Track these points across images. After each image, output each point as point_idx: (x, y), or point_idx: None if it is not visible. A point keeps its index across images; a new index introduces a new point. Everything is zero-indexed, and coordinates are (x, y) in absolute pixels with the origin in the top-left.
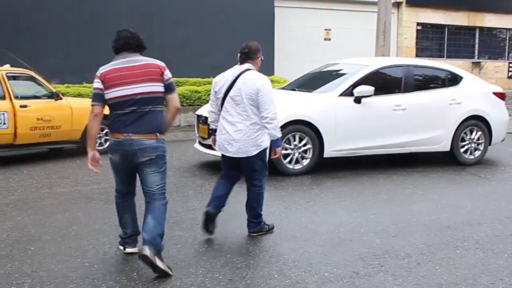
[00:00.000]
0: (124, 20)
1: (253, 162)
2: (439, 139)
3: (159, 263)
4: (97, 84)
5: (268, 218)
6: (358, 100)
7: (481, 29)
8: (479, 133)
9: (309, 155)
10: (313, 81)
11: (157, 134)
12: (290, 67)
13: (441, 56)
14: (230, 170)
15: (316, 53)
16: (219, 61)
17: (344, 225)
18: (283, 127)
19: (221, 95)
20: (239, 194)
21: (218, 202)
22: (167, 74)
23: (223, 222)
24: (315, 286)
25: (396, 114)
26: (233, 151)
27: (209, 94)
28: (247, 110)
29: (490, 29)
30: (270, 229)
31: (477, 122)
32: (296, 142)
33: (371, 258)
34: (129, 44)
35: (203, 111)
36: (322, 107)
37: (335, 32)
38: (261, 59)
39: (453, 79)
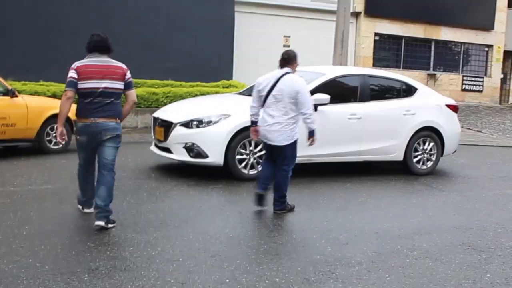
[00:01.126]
0: (82, 20)
1: (285, 150)
2: (393, 149)
3: (109, 226)
4: (73, 74)
5: (221, 223)
6: (314, 107)
7: (437, 41)
8: (431, 144)
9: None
10: None
11: (117, 119)
12: (249, 72)
13: (397, 67)
14: (268, 153)
15: (275, 59)
16: (178, 65)
17: (296, 232)
18: (238, 132)
19: (264, 93)
20: (196, 203)
21: (266, 182)
22: (128, 75)
23: (177, 226)
24: None
25: (351, 123)
26: (271, 140)
27: (166, 97)
28: (286, 107)
29: (446, 42)
30: (291, 209)
31: (430, 133)
32: (251, 148)
33: (322, 265)
34: (99, 46)
35: (160, 113)
36: None
37: (294, 39)
38: (297, 65)
39: (408, 90)
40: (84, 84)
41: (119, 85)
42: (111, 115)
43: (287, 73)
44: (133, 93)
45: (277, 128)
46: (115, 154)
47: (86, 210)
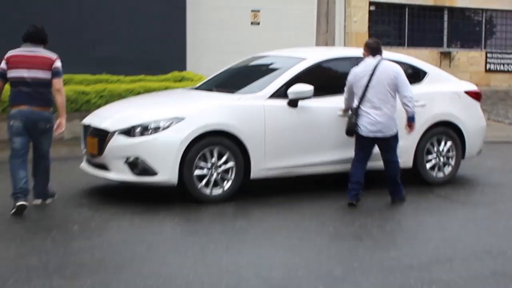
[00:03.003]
0: None
1: (392, 140)
2: (399, 153)
3: (47, 202)
4: (2, 64)
5: (177, 260)
6: (293, 103)
7: (451, 9)
8: (449, 143)
9: (232, 175)
10: (235, 79)
11: (48, 108)
12: (207, 60)
13: (401, 45)
14: (364, 151)
15: (240, 42)
16: (114, 53)
17: (277, 268)
18: (196, 140)
19: (362, 84)
20: (143, 236)
21: (358, 187)
22: (56, 64)
23: (119, 268)
24: None
25: (342, 121)
26: (375, 131)
27: (100, 97)
28: (387, 94)
29: (462, 10)
30: (404, 198)
31: (446, 129)
32: (214, 159)
33: None
34: (32, 37)
35: (93, 119)
36: (247, 113)
37: (265, 15)
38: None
39: (415, 75)
40: (11, 73)
41: (46, 74)
42: (42, 104)
43: (381, 60)
44: (57, 82)
45: (383, 120)
46: (50, 143)
47: (19, 202)
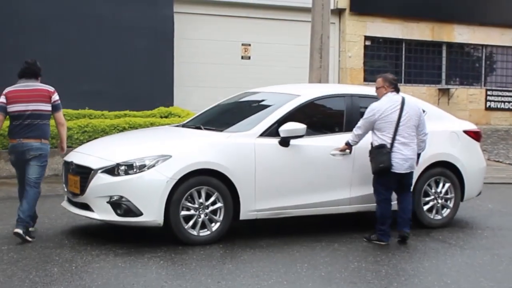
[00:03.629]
0: None
1: (411, 175)
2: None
3: (27, 238)
4: (2, 99)
5: None
6: (285, 142)
7: (450, 45)
8: (447, 185)
9: (220, 217)
10: (225, 116)
11: (42, 139)
12: (195, 96)
13: (397, 81)
14: (391, 190)
15: (230, 77)
16: (98, 87)
17: None
18: (183, 179)
19: (392, 120)
20: (127, 279)
21: (389, 221)
22: (55, 97)
23: None
24: None
25: (336, 161)
26: (406, 167)
27: (83, 133)
28: (414, 130)
29: (461, 46)
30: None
31: (444, 170)
32: (202, 200)
33: None
34: (26, 73)
35: (75, 156)
36: (237, 152)
37: (256, 49)
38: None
39: None
40: (12, 108)
41: (46, 106)
42: (36, 136)
43: (404, 96)
44: (59, 115)
45: (413, 156)
46: (40, 173)
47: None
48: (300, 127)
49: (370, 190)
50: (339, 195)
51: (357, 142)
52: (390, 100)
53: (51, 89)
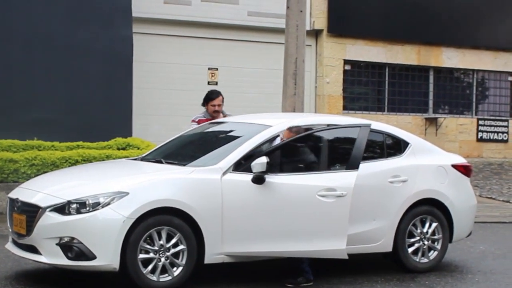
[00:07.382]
0: None
1: None
2: (377, 235)
3: None
4: None
5: None
6: (259, 178)
7: (437, 70)
8: (434, 224)
9: (183, 260)
10: (188, 149)
11: None
12: (156, 125)
13: (380, 110)
14: None
15: (195, 104)
16: (48, 116)
17: None
18: (142, 218)
19: None
20: None
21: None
22: None
23: None
24: None
25: (319, 203)
26: None
27: (31, 166)
28: None
29: (451, 71)
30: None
31: (431, 208)
32: (162, 242)
33: None
34: None
35: (21, 192)
36: (201, 189)
37: (224, 73)
38: None
39: (396, 146)
40: None
41: None
42: None
43: None
44: None
45: None
46: None
47: None
48: (261, 161)
49: (349, 230)
50: (320, 246)
51: None
52: None
53: None
